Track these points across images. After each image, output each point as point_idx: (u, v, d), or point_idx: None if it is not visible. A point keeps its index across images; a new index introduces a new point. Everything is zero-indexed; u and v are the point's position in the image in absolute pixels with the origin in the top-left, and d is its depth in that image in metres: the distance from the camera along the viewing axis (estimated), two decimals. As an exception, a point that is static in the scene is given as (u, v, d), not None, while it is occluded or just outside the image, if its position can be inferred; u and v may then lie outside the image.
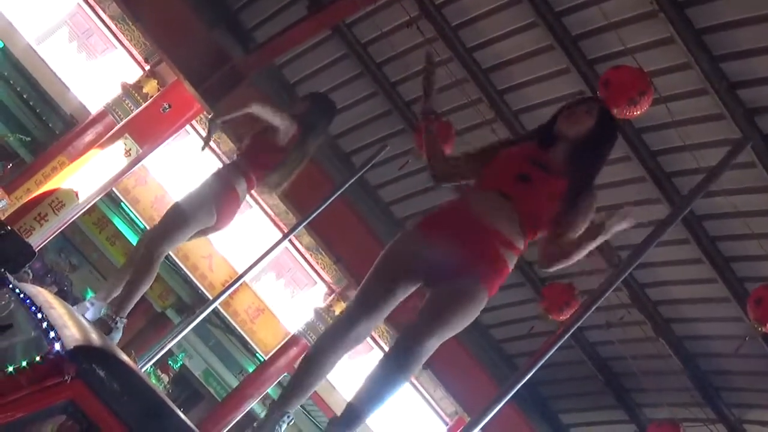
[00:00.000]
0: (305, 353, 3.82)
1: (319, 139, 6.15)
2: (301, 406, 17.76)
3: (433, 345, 3.59)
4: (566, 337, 3.71)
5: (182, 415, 2.68)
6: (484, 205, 3.81)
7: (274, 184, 6.12)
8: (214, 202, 5.78)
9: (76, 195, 10.78)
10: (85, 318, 4.97)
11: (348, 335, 3.73)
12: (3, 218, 10.11)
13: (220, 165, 6.12)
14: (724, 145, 7.96)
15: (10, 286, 3.72)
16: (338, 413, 3.60)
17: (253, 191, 6.33)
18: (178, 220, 5.73)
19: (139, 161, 11.60)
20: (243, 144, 6.11)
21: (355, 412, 3.53)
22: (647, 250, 3.90)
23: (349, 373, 12.06)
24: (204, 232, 5.96)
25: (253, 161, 5.92)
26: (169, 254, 6.73)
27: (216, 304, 6.68)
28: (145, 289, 5.58)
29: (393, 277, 3.81)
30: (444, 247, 3.74)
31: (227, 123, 6.11)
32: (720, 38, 7.99)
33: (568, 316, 8.46)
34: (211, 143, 12.96)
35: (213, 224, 5.85)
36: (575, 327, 3.80)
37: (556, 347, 3.65)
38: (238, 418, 13.21)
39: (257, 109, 5.72)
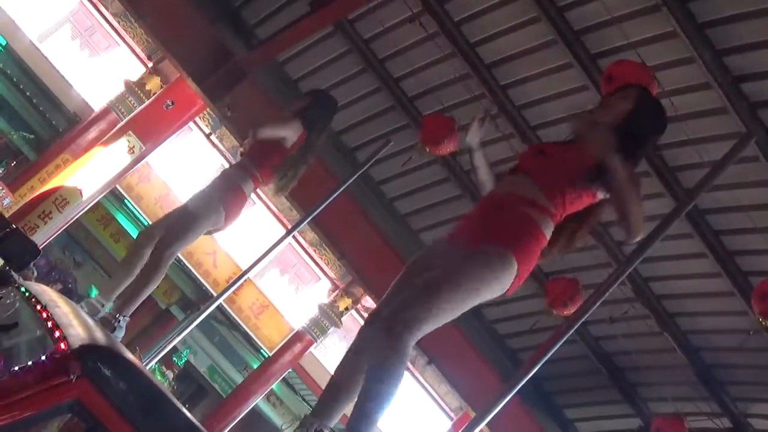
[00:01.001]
0: (337, 366, 3.66)
1: (323, 137, 6.18)
2: (309, 405, 17.74)
3: (428, 318, 3.35)
4: (572, 331, 3.70)
5: (187, 413, 2.68)
6: (505, 183, 3.88)
7: (283, 185, 6.16)
8: (223, 204, 5.82)
9: (80, 192, 10.80)
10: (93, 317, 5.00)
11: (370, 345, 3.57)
12: (7, 216, 10.12)
13: (226, 165, 6.15)
14: (728, 139, 7.94)
15: (15, 284, 3.73)
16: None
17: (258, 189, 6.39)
18: (188, 223, 5.75)
19: (143, 158, 11.61)
20: (247, 144, 6.12)
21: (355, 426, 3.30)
22: (652, 245, 3.89)
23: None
24: (210, 232, 6.01)
25: (260, 163, 5.96)
26: (173, 251, 6.75)
27: (220, 300, 6.70)
28: (151, 289, 5.60)
29: (415, 277, 3.72)
30: (466, 230, 3.74)
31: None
32: (723, 32, 7.97)
33: (573, 311, 8.46)
34: (214, 139, 13.07)
35: (221, 225, 5.90)
36: (580, 322, 3.80)
37: (561, 342, 3.64)
38: (242, 414, 13.24)
39: (267, 132, 5.83)
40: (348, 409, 3.53)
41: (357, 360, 3.58)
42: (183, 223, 5.74)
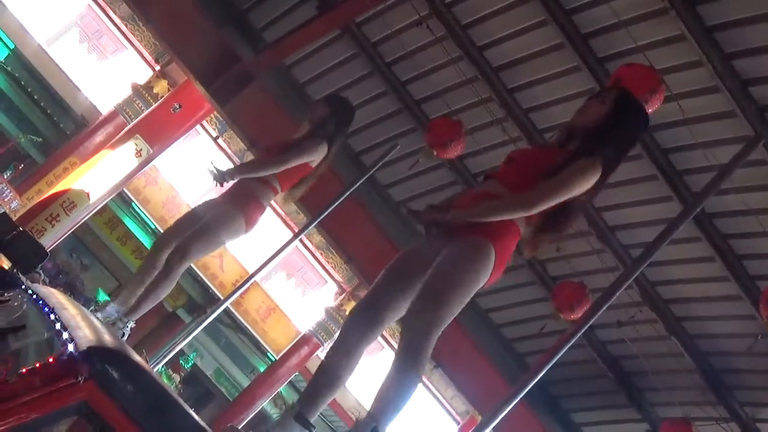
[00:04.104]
0: (326, 356, 3.79)
1: (338, 146, 6.16)
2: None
3: (439, 322, 3.52)
4: (578, 335, 3.69)
5: (195, 415, 2.68)
6: (479, 186, 4.01)
7: (294, 195, 6.18)
8: (243, 214, 5.83)
9: (88, 195, 10.81)
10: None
11: (357, 334, 3.72)
12: (15, 219, 10.14)
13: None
14: (736, 143, 7.93)
15: (23, 287, 3.73)
16: (352, 416, 3.51)
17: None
18: (208, 238, 5.76)
19: (150, 161, 11.62)
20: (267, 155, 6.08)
21: (376, 421, 3.44)
22: (659, 249, 3.88)
23: (361, 373, 12.07)
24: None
25: (281, 177, 5.95)
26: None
27: (227, 304, 6.69)
28: (162, 296, 5.60)
29: (403, 272, 3.80)
30: (445, 229, 3.81)
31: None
32: (731, 35, 7.96)
33: (580, 315, 8.45)
34: (221, 142, 13.08)
35: (242, 233, 5.93)
36: (587, 326, 3.78)
37: (568, 346, 3.63)
38: (249, 418, 13.23)
39: (296, 161, 5.80)
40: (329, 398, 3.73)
41: (347, 355, 3.69)
42: (203, 237, 5.72)
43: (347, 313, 13.31)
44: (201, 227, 5.77)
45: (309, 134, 5.96)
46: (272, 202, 6.40)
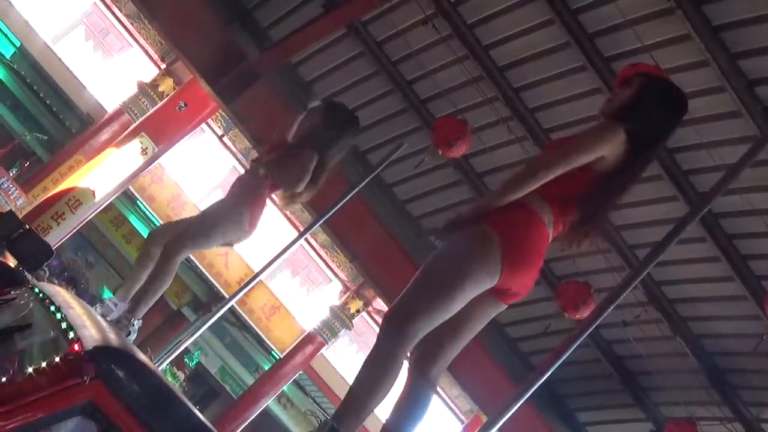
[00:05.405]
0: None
1: (341, 153, 6.00)
2: (320, 406, 17.64)
3: (415, 307, 3.28)
4: (585, 335, 3.67)
5: (200, 414, 2.68)
6: None
7: (296, 199, 6.14)
8: (248, 209, 5.79)
9: (93, 193, 10.84)
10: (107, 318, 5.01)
11: None
12: (20, 217, 10.16)
13: (238, 167, 6.09)
14: (742, 143, 7.93)
15: (29, 285, 3.74)
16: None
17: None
18: (206, 227, 5.69)
19: (155, 159, 11.64)
20: (268, 157, 6.02)
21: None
22: (667, 249, 3.85)
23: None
24: (233, 243, 5.94)
25: (276, 182, 5.93)
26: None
27: (232, 302, 6.70)
28: (162, 290, 5.57)
29: None
30: None
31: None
32: (737, 35, 7.95)
33: (585, 314, 8.45)
34: (226, 140, 13.08)
35: (246, 231, 5.83)
36: (595, 325, 3.76)
37: (575, 345, 3.61)
38: (254, 416, 13.25)
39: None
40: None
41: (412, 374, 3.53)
42: (200, 226, 5.68)
43: (352, 311, 13.42)
44: (201, 217, 5.78)
45: (302, 143, 5.86)
46: (278, 202, 6.39)
